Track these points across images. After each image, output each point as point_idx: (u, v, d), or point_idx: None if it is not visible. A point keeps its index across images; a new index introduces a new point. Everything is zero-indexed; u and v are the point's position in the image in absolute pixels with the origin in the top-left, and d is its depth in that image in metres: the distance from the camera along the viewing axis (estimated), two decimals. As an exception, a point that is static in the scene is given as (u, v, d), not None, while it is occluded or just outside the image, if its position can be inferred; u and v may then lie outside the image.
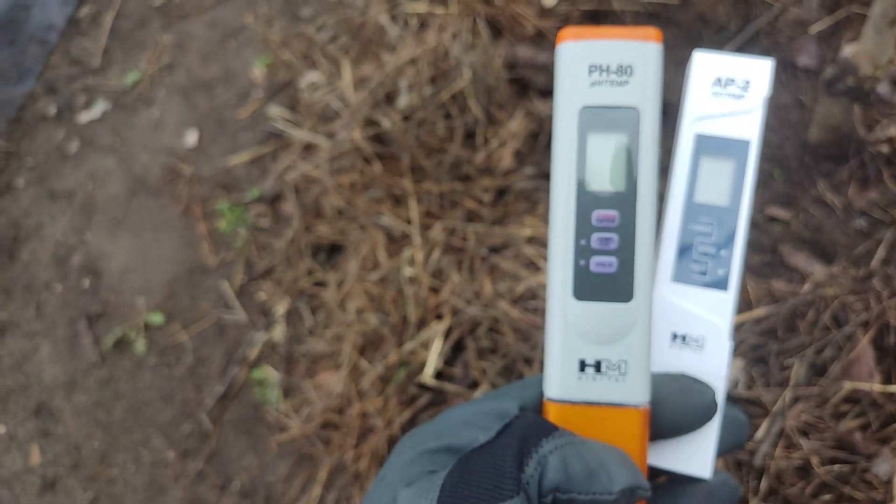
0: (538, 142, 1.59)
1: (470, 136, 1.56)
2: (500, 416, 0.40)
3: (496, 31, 1.71)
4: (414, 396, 1.34)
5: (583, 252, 0.41)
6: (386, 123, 1.50)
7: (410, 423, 1.32)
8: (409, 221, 1.52)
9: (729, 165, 0.46)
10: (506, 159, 1.49)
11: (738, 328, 1.18)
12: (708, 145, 0.46)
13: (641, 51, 0.41)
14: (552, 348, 0.42)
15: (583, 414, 0.42)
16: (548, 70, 1.66)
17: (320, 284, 1.62)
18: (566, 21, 1.74)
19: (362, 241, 1.54)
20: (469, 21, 1.66)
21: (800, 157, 1.62)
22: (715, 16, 1.76)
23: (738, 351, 1.15)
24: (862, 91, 1.46)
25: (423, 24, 1.70)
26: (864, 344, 1.09)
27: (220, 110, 2.08)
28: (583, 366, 0.42)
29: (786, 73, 1.70)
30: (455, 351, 1.37)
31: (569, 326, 0.42)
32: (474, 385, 1.30)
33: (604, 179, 0.42)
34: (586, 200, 0.42)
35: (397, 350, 1.37)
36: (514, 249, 1.40)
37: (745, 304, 1.24)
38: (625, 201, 0.41)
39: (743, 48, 1.72)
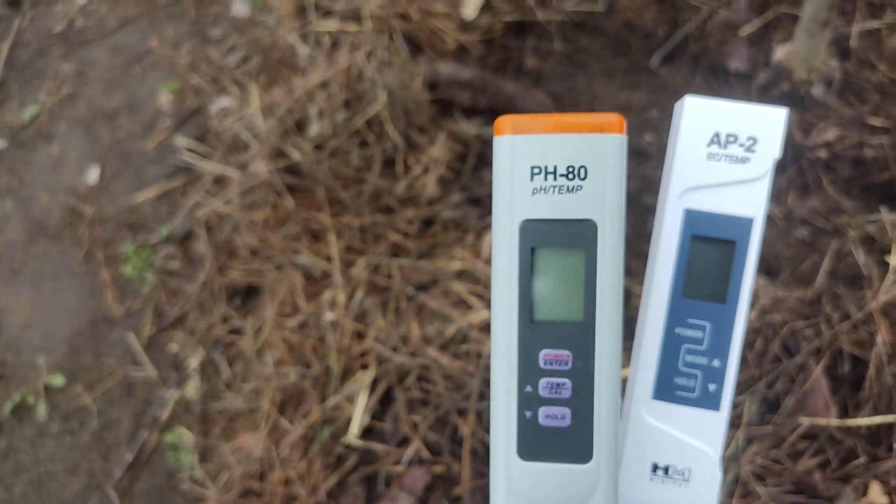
0: (465, 165, 1.49)
1: (389, 163, 1.44)
2: None
3: (415, 47, 1.60)
4: (341, 458, 1.21)
5: (528, 401, 0.34)
6: (296, 155, 1.38)
7: (338, 488, 1.20)
8: (328, 259, 1.39)
9: (726, 251, 0.36)
10: (430, 187, 1.38)
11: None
12: (700, 224, 0.36)
13: (597, 146, 0.32)
14: None
15: None
16: (472, 86, 1.56)
17: (236, 332, 1.48)
18: (489, 34, 1.64)
19: (279, 282, 1.41)
20: (385, 38, 1.55)
21: (737, 165, 1.55)
22: (642, 22, 1.68)
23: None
24: (797, 95, 1.40)
25: (335, 42, 1.59)
26: (817, 374, 1.01)
27: (124, 142, 1.92)
28: None
29: (717, 79, 1.63)
30: (383, 403, 1.25)
31: (514, 491, 0.34)
32: (405, 441, 1.19)
33: (554, 307, 0.33)
34: (532, 335, 0.33)
35: (320, 406, 1.24)
36: (443, 286, 1.29)
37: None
38: (580, 336, 0.33)
39: (672, 54, 1.65)
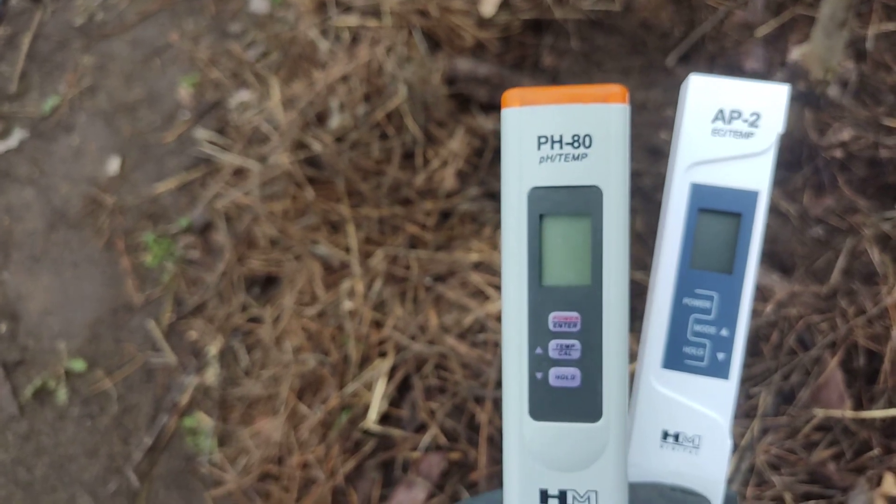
0: (482, 159, 1.50)
1: (409, 156, 1.46)
2: None
3: (433, 43, 1.62)
4: (358, 443, 1.23)
5: (539, 363, 0.34)
6: (317, 146, 1.40)
7: (356, 473, 1.22)
8: (347, 249, 1.41)
9: (732, 223, 0.37)
10: (448, 180, 1.40)
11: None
12: (706, 198, 0.37)
13: (601, 115, 0.33)
14: (510, 475, 0.35)
15: None
16: (490, 83, 1.58)
17: (255, 320, 1.50)
18: (506, 31, 1.66)
19: (298, 272, 1.43)
20: (404, 34, 1.57)
21: (752, 164, 1.56)
22: (658, 22, 1.70)
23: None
24: (813, 95, 1.42)
25: (355, 38, 1.61)
26: (832, 367, 1.02)
27: (145, 135, 1.95)
28: (545, 497, 0.35)
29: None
30: (401, 390, 1.27)
31: (526, 451, 0.35)
32: (422, 428, 1.20)
33: (562, 272, 0.34)
34: (541, 299, 0.34)
35: (338, 392, 1.26)
36: (460, 277, 1.31)
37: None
38: (588, 299, 0.34)
39: (689, 54, 1.66)
